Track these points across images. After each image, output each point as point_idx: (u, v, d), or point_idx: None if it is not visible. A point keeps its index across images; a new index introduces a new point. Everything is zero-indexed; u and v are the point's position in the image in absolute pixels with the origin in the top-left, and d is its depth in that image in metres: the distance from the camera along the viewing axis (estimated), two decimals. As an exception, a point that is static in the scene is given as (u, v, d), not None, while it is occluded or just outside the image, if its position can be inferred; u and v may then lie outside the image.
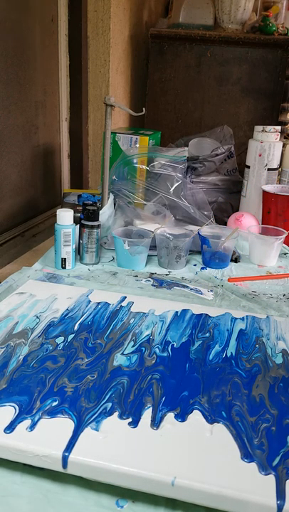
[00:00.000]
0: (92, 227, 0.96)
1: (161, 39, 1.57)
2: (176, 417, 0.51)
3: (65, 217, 0.92)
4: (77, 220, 0.97)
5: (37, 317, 0.71)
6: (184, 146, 1.38)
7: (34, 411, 0.51)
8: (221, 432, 0.50)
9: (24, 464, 0.47)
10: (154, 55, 1.60)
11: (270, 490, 0.43)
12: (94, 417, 0.50)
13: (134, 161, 1.19)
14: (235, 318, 0.74)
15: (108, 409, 0.52)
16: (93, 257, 0.98)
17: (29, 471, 0.47)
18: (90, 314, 0.73)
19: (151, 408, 0.52)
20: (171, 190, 1.15)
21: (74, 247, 0.94)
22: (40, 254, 1.04)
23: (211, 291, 0.88)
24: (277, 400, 0.55)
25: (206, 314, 0.75)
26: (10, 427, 0.48)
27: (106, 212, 1.10)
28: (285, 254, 1.09)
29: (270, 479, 0.44)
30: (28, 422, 0.49)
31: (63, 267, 0.94)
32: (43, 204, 1.38)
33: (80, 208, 1.11)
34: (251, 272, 0.99)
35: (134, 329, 0.69)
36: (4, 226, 1.19)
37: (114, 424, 0.50)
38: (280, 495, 0.42)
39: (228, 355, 0.64)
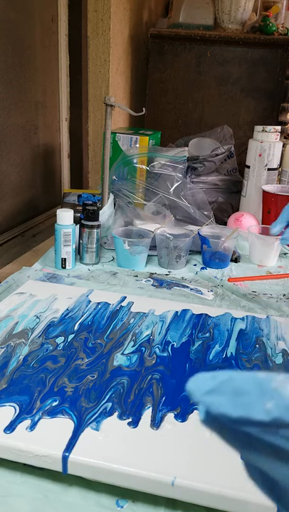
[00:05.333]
0: (92, 227, 0.96)
1: (161, 39, 1.57)
2: (176, 417, 0.51)
3: (65, 217, 0.92)
4: (77, 220, 0.97)
5: (37, 317, 0.71)
6: (184, 146, 1.38)
7: (34, 411, 0.51)
8: (221, 432, 0.50)
9: (24, 464, 0.47)
10: (154, 55, 1.60)
11: (270, 490, 0.43)
12: (94, 417, 0.50)
13: (134, 161, 1.19)
14: (235, 318, 0.74)
15: (108, 409, 0.52)
16: (93, 257, 0.98)
17: (29, 471, 0.47)
18: (90, 314, 0.73)
19: (151, 408, 0.52)
20: (171, 190, 1.15)
21: (74, 247, 0.94)
22: (40, 254, 1.04)
23: (211, 291, 0.88)
24: (277, 400, 0.55)
25: (206, 314, 0.75)
26: (10, 427, 0.48)
27: (106, 212, 1.10)
28: (285, 254, 1.09)
29: (270, 479, 0.44)
30: (28, 422, 0.49)
31: (63, 267, 0.94)
32: (43, 204, 1.38)
33: (80, 207, 1.11)
34: (251, 271, 0.99)
35: (134, 329, 0.69)
36: (4, 226, 1.19)
37: (114, 424, 0.50)
38: (280, 495, 0.42)
39: (228, 355, 0.64)
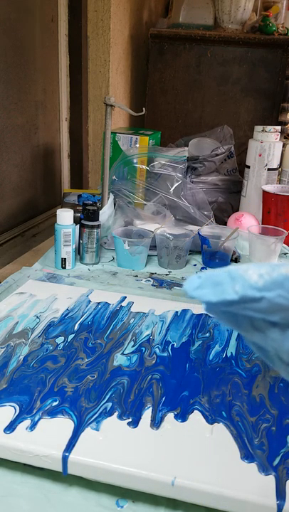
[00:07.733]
0: (92, 227, 0.96)
1: (161, 39, 1.57)
2: (176, 417, 0.51)
3: (65, 217, 0.92)
4: (77, 220, 0.97)
5: (37, 317, 0.71)
6: (184, 146, 1.38)
7: (34, 411, 0.51)
8: (221, 431, 0.50)
9: (24, 464, 0.47)
10: (154, 55, 1.60)
11: (270, 490, 0.43)
12: (94, 417, 0.50)
13: (134, 161, 1.19)
14: (235, 318, 0.74)
15: (108, 409, 0.52)
16: (93, 257, 0.98)
17: (29, 471, 0.47)
18: (90, 314, 0.73)
19: (151, 408, 0.52)
20: (171, 190, 1.15)
21: (74, 247, 0.94)
22: (40, 254, 1.04)
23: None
24: (277, 400, 0.55)
25: (206, 314, 0.75)
26: (10, 427, 0.48)
27: (106, 212, 1.10)
28: (285, 254, 1.09)
29: (270, 479, 0.44)
30: (28, 422, 0.49)
31: (63, 267, 0.94)
32: (43, 204, 1.38)
33: (80, 207, 1.11)
34: (251, 272, 0.99)
35: (134, 329, 0.69)
36: (4, 226, 1.19)
37: (114, 424, 0.50)
38: (280, 495, 0.42)
39: (228, 355, 0.64)
